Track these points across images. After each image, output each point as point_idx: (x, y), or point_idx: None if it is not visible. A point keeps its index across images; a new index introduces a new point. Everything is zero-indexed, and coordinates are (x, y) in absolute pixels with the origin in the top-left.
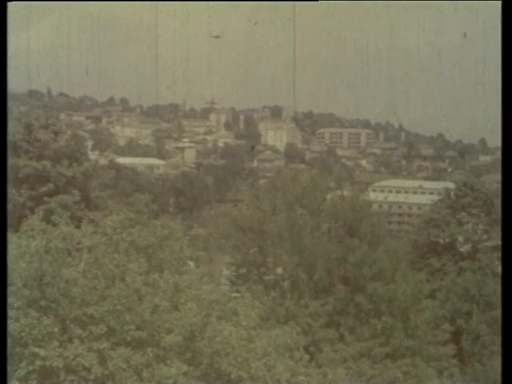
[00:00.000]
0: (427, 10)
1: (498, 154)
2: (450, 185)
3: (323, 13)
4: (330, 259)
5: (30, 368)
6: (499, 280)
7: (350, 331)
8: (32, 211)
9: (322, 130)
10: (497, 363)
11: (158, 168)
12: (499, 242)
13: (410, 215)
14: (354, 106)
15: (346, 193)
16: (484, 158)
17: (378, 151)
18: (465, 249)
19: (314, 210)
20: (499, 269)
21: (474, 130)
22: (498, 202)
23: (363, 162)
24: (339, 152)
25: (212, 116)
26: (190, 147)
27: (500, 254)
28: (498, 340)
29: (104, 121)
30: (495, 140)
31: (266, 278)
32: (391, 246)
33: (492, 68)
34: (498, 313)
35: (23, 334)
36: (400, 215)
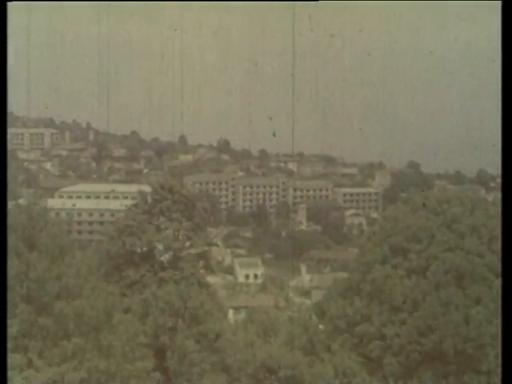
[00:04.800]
0: None
1: (200, 153)
2: (146, 188)
3: None
4: (9, 276)
5: None
6: (205, 291)
7: (38, 355)
8: None
9: None
10: (207, 382)
11: None
12: (204, 249)
13: (102, 223)
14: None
15: (25, 200)
16: (184, 158)
17: (64, 153)
18: (165, 258)
19: None
20: (206, 278)
21: (174, 127)
22: (200, 206)
23: (48, 166)
24: (21, 155)
25: None
26: None
27: (202, 263)
28: (208, 357)
29: None
30: (195, 138)
31: None
32: (78, 259)
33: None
34: (205, 327)
35: None
36: (91, 223)
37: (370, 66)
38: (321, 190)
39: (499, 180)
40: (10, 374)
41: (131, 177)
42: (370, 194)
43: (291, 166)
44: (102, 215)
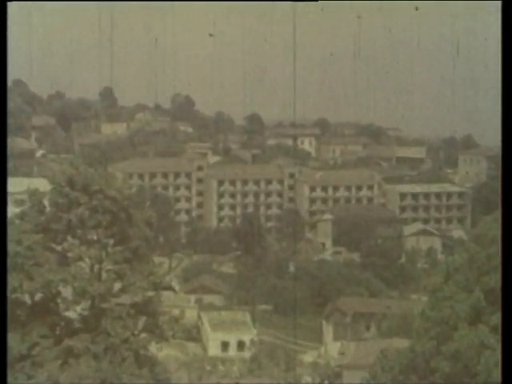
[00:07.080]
0: None
1: (141, 120)
2: (42, 183)
3: None
4: None
5: None
6: (149, 372)
7: None
8: None
9: None
10: None
11: None
12: (148, 295)
13: None
14: None
15: None
16: (111, 129)
17: None
18: (76, 312)
19: None
20: (150, 350)
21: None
22: (141, 216)
23: None
24: None
25: None
26: None
27: (145, 321)
28: None
29: None
30: (130, 93)
31: None
32: None
33: None
34: None
35: None
36: None
37: None
38: (359, 187)
39: None
40: None
41: (14, 163)
42: (449, 194)
43: (306, 143)
44: None
